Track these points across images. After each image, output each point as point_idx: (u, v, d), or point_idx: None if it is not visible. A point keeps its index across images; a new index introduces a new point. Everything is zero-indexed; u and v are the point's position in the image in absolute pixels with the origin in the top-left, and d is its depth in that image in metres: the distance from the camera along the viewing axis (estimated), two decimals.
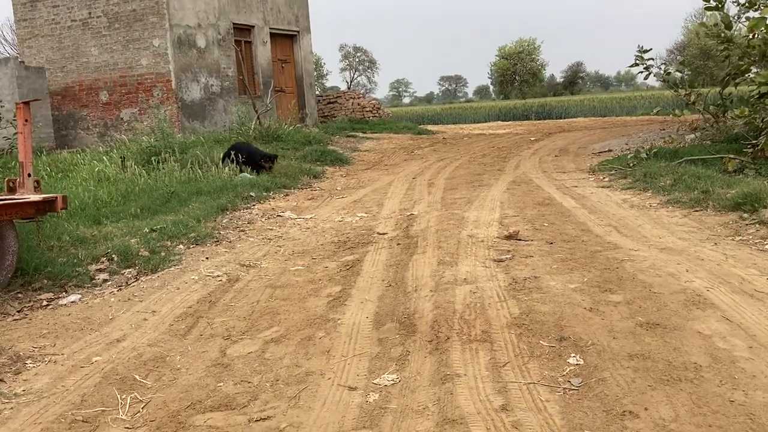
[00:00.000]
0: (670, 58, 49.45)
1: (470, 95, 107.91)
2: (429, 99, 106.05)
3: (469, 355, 3.45)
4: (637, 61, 11.52)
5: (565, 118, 29.24)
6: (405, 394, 3.12)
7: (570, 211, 7.11)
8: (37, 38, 17.36)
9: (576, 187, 8.83)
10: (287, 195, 9.85)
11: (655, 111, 14.96)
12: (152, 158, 11.57)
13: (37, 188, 5.60)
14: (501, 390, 3.04)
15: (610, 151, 13.07)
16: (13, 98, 14.65)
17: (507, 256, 5.24)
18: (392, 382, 3.27)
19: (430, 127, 24.28)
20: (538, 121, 28.27)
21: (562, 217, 6.77)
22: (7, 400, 3.20)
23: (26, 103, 5.51)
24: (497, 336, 3.64)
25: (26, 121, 5.46)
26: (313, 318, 4.29)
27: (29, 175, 5.45)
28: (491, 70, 76.17)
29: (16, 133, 10.53)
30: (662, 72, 12.18)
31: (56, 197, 5.28)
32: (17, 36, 18.76)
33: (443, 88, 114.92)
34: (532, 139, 17.78)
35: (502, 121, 30.53)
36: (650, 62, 11.57)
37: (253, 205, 8.84)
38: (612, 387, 2.98)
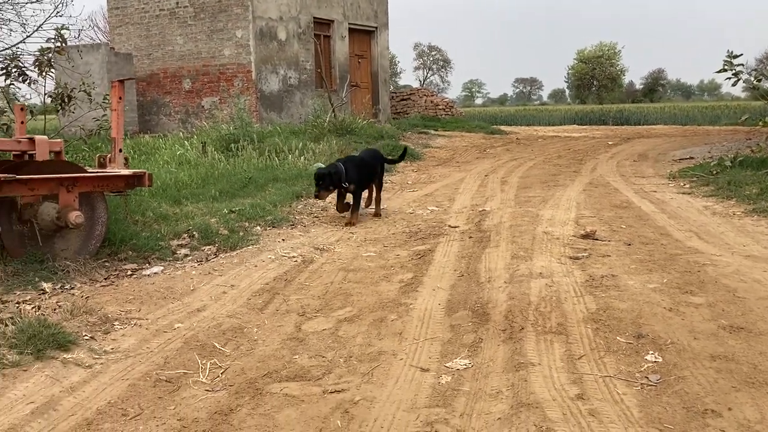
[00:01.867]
0: (759, 68, 47.34)
1: (545, 98, 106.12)
2: (502, 101, 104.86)
3: (543, 345, 3.43)
4: (726, 67, 11.03)
5: (643, 125, 28.42)
6: (478, 378, 3.13)
7: (648, 214, 6.92)
8: (127, 26, 18.09)
9: (655, 191, 8.59)
10: None
11: (743, 119, 14.31)
12: (231, 145, 11.93)
13: (126, 164, 5.86)
14: (576, 380, 3.01)
15: (691, 158, 12.63)
16: (102, 83, 15.31)
17: (583, 254, 5.16)
18: (465, 366, 3.28)
19: (503, 128, 24.03)
20: (616, 127, 27.58)
21: (641, 221, 6.60)
22: (97, 356, 3.38)
23: (121, 82, 5.76)
24: (573, 329, 3.60)
25: (120, 98, 5.71)
26: (385, 301, 4.34)
27: (120, 150, 5.70)
28: (568, 73, 74.80)
29: (104, 115, 11.02)
30: (752, 78, 11.67)
31: (144, 173, 5.50)
32: (108, 23, 19.59)
33: (517, 90, 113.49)
34: (609, 143, 17.36)
35: (578, 125, 29.92)
36: (739, 68, 11.09)
37: None
38: (692, 385, 2.90)
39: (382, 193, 7.89)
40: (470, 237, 6.07)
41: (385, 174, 11.27)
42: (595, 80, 69.81)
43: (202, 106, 17.24)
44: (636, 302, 3.94)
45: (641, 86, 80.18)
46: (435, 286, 4.58)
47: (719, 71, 11.21)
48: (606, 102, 59.23)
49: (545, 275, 4.56)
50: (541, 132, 23.62)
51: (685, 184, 9.15)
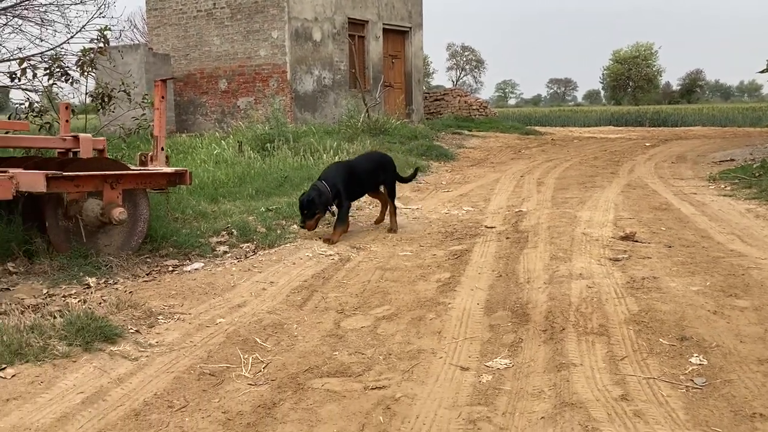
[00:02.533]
0: None
1: (579, 99, 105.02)
2: (536, 101, 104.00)
3: (585, 346, 3.40)
4: None
5: (681, 126, 27.93)
6: (519, 378, 3.12)
7: (689, 217, 6.82)
8: (165, 27, 18.38)
9: (695, 194, 8.45)
10: None
11: None
12: (266, 145, 12.05)
13: (167, 162, 5.96)
14: (619, 381, 2.98)
15: (732, 160, 12.39)
16: (140, 82, 15.58)
17: (623, 255, 5.10)
18: (505, 366, 3.27)
19: (537, 129, 23.83)
20: (653, 128, 27.14)
21: (681, 223, 6.51)
22: (143, 349, 3.44)
23: (164, 81, 5.86)
24: (615, 331, 3.56)
25: (162, 98, 5.82)
26: (423, 300, 4.34)
27: (162, 148, 5.81)
28: (603, 74, 73.80)
29: (143, 114, 11.22)
30: None
31: (186, 171, 5.60)
32: (147, 24, 19.92)
33: (551, 90, 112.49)
34: (646, 144, 17.12)
35: (614, 126, 29.52)
36: None
37: None
38: (740, 389, 2.85)
39: (397, 201, 7.06)
40: (507, 238, 6.05)
41: (420, 173, 11.33)
42: (631, 81, 68.78)
43: (238, 106, 17.44)
44: (679, 304, 3.88)
45: (678, 87, 78.79)
46: (473, 286, 4.57)
47: (762, 71, 10.98)
48: (642, 103, 58.32)
49: (585, 276, 4.53)
50: (577, 133, 23.37)
51: (725, 187, 8.98)
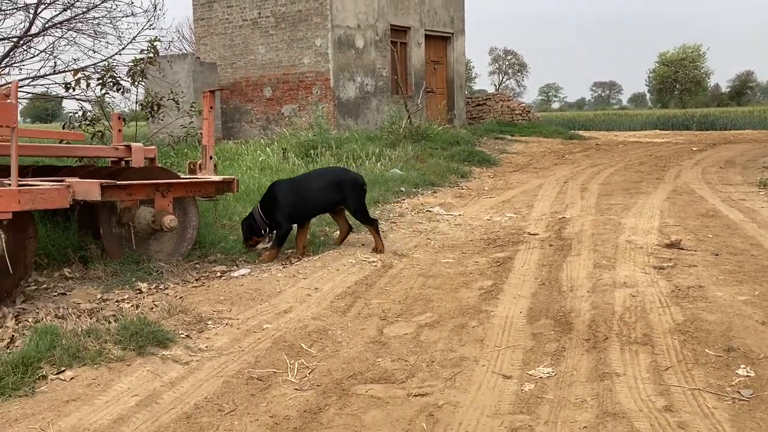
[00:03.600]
0: None
1: (624, 102, 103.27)
2: (580, 105, 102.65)
3: (628, 356, 3.39)
4: None
5: (730, 130, 27.23)
6: (561, 387, 3.13)
7: (737, 224, 6.69)
8: (212, 36, 18.78)
9: (744, 200, 8.27)
10: (435, 192, 10.01)
11: None
12: (310, 151, 12.23)
13: (215, 171, 6.12)
14: (663, 392, 2.97)
15: None
16: (188, 91, 15.94)
17: (668, 264, 5.05)
18: (548, 374, 3.29)
19: (581, 133, 23.56)
20: (700, 132, 26.54)
21: (729, 230, 6.39)
22: (193, 354, 3.56)
23: (212, 92, 6.03)
24: (659, 340, 3.54)
25: (211, 108, 5.98)
26: (465, 308, 4.38)
27: (211, 157, 5.97)
28: (649, 77, 72.51)
29: (190, 123, 11.49)
30: None
31: (233, 179, 5.74)
32: (194, 34, 20.39)
33: (596, 94, 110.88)
34: (693, 149, 16.78)
35: (660, 130, 28.96)
36: None
37: (403, 200, 9.08)
38: None
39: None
40: (550, 245, 6.03)
41: (462, 179, 11.34)
42: (678, 83, 67.40)
43: (282, 113, 17.70)
44: (725, 314, 3.84)
45: (728, 89, 76.89)
46: (516, 294, 4.59)
47: None
48: (689, 106, 57.06)
49: (629, 285, 4.50)
50: (622, 137, 23.03)
51: None
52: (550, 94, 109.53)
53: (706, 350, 3.40)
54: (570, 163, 13.88)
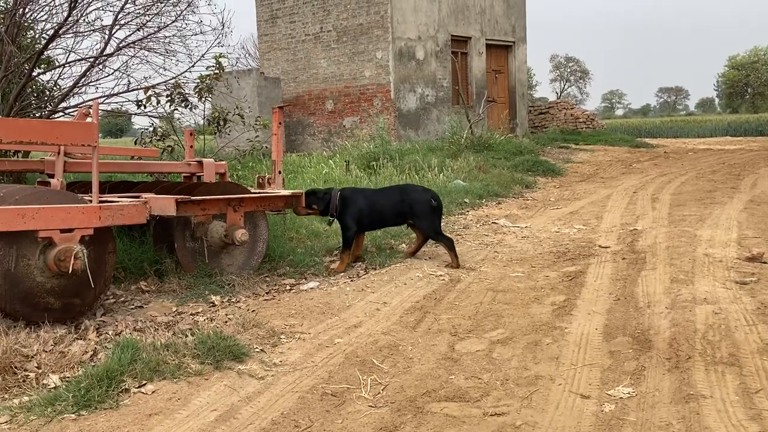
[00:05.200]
0: None
1: (692, 108, 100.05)
2: (645, 111, 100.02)
3: (714, 377, 3.25)
4: None
5: None
6: (644, 409, 3.02)
7: None
8: (275, 51, 19.15)
9: None
10: (500, 203, 9.90)
11: None
12: (371, 163, 12.29)
13: (283, 185, 6.21)
14: (755, 417, 2.83)
15: None
16: (253, 105, 16.30)
17: (751, 278, 4.83)
18: (628, 395, 3.18)
19: (648, 141, 22.95)
20: None
21: None
22: (268, 368, 3.60)
23: (281, 108, 6.13)
24: (746, 361, 3.39)
25: (280, 123, 6.08)
26: (538, 324, 4.29)
27: (279, 172, 6.06)
28: (718, 81, 70.13)
29: (256, 136, 11.71)
30: None
31: (301, 193, 5.81)
32: (259, 50, 20.82)
33: (661, 100, 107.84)
34: None
35: (731, 136, 27.95)
36: None
37: (467, 212, 9.00)
38: None
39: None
40: (623, 258, 5.87)
41: (526, 190, 11.19)
42: (750, 87, 64.94)
43: (344, 126, 17.87)
44: None
45: None
46: (590, 310, 4.47)
47: None
48: (762, 111, 54.82)
49: (710, 301, 4.32)
50: (691, 144, 22.32)
51: None
52: (614, 101, 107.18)
53: None
54: (638, 173, 13.52)
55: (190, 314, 4.59)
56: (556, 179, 12.82)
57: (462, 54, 18.93)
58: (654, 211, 8.41)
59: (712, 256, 5.60)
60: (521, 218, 8.58)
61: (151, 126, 10.04)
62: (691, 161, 15.66)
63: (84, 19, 8.83)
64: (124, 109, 10.81)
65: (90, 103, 8.82)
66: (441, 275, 5.61)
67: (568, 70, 78.61)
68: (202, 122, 12.25)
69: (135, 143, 9.82)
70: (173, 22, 9.46)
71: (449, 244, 6.02)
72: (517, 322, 4.36)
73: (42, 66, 9.58)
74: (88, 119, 4.39)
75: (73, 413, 3.05)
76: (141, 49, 9.69)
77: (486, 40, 19.57)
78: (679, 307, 4.24)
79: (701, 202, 8.92)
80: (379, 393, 3.34)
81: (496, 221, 8.32)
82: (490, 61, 20.00)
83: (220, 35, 9.83)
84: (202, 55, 9.90)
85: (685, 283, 4.82)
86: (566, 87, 78.50)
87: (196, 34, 10.43)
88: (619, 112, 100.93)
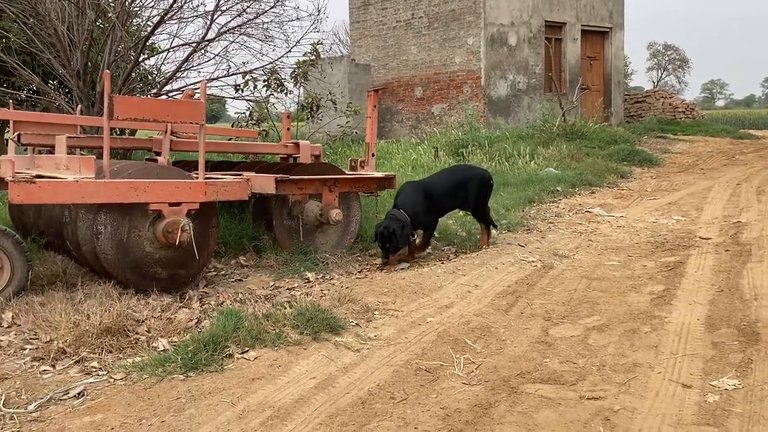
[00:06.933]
0: None
1: None
2: (748, 102, 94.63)
3: None
4: None
5: None
6: (751, 401, 2.91)
7: None
8: (366, 38, 19.30)
9: None
10: (593, 192, 9.66)
11: None
12: (460, 150, 12.25)
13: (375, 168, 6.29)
14: None
15: None
16: (344, 92, 16.50)
17: None
18: (734, 386, 3.06)
19: (752, 132, 21.73)
20: None
21: None
22: (363, 342, 3.69)
23: (376, 91, 6.22)
24: None
25: (374, 106, 6.15)
26: (635, 313, 4.18)
27: (373, 154, 6.14)
28: None
29: (347, 122, 11.88)
30: None
31: (393, 175, 5.88)
32: (350, 36, 21.06)
33: (767, 90, 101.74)
34: None
35: None
36: None
37: (560, 200, 8.84)
38: None
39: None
40: (726, 250, 5.62)
41: (621, 179, 10.86)
42: None
43: (432, 113, 17.84)
44: None
45: None
46: (691, 300, 4.32)
47: None
48: None
49: None
50: None
51: None
52: (714, 91, 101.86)
53: None
54: (742, 164, 12.85)
55: (287, 288, 4.74)
56: (653, 169, 12.37)
57: (556, 40, 18.47)
58: (759, 203, 7.99)
59: None
60: (616, 208, 8.35)
61: (247, 110, 10.37)
62: None
63: (188, 5, 9.18)
64: (223, 93, 11.19)
65: (193, 86, 9.19)
66: (533, 261, 5.55)
67: (666, 58, 75.20)
68: (294, 108, 12.55)
69: (232, 126, 10.17)
70: (272, 8, 9.69)
71: (488, 229, 6.05)
72: (614, 309, 4.27)
73: (146, 52, 10.04)
74: (197, 98, 4.58)
75: (182, 374, 3.23)
76: (240, 34, 9.98)
77: (581, 25, 19.01)
78: None
79: None
80: (473, 371, 3.36)
81: (590, 210, 8.13)
82: (585, 47, 19.42)
83: (316, 21, 10.00)
84: (298, 41, 10.10)
85: None
86: (663, 76, 75.15)
87: (293, 20, 10.68)
88: (720, 102, 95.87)
